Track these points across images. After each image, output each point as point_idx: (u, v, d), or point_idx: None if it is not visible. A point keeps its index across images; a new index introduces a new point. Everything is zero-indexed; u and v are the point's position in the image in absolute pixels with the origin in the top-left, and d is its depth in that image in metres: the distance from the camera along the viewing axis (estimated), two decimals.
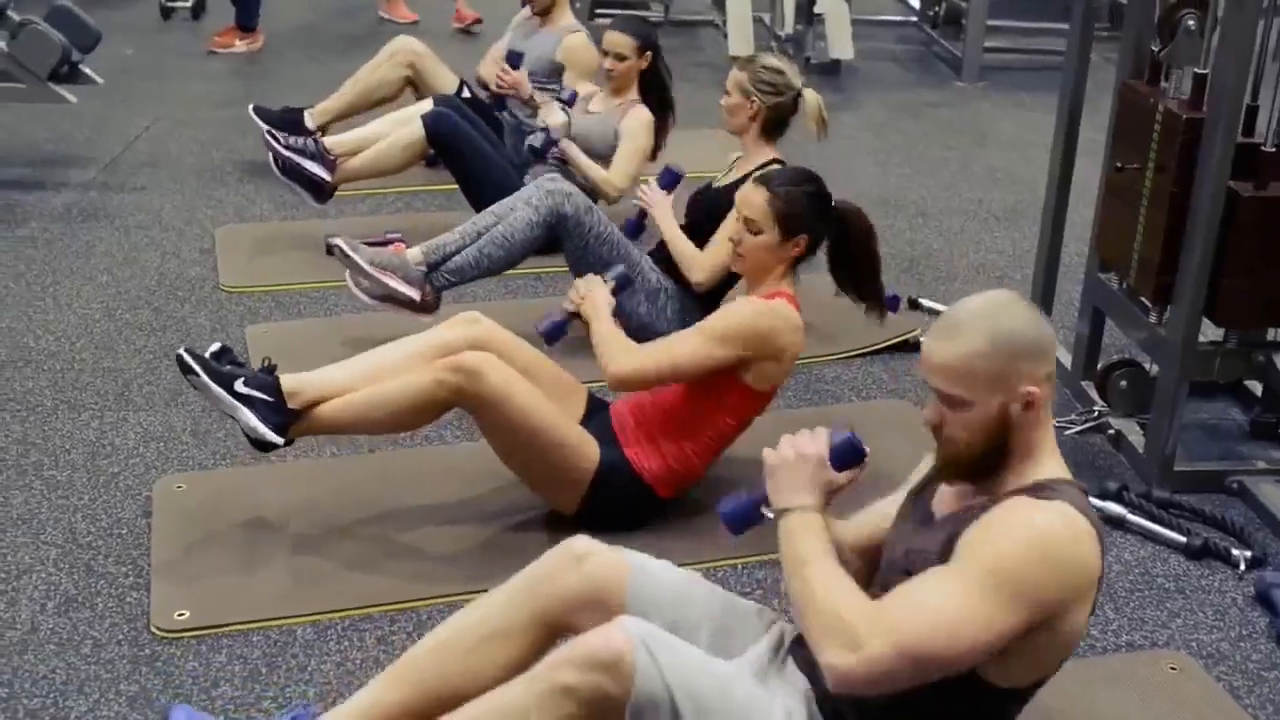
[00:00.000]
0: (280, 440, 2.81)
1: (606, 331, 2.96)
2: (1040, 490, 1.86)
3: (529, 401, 2.83)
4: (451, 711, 1.96)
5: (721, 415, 2.96)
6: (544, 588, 2.10)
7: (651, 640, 1.87)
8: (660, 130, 4.36)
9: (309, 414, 2.84)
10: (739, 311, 2.94)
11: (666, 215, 3.72)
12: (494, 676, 2.02)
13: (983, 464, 1.90)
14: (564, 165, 4.26)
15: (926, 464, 2.10)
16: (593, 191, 4.13)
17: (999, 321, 1.85)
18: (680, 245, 3.68)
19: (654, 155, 4.37)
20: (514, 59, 4.68)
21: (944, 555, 1.85)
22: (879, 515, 2.14)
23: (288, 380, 2.84)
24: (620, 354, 2.92)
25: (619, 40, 4.29)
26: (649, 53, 4.31)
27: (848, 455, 1.97)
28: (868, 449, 2.00)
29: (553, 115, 4.34)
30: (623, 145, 4.26)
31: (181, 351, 2.79)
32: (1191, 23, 3.14)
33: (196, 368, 2.76)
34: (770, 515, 1.98)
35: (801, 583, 1.83)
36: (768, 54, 3.82)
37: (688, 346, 2.90)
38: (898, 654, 1.73)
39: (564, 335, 3.10)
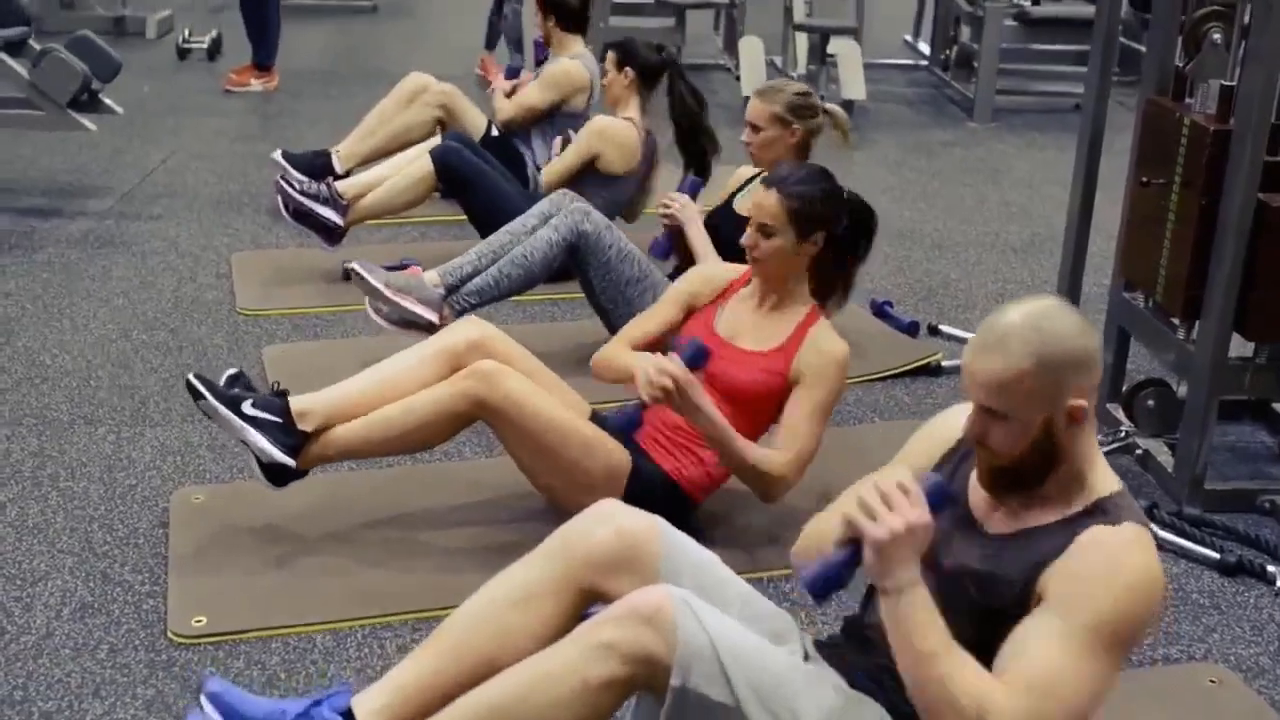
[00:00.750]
0: (291, 461, 2.78)
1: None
2: (1107, 514, 1.82)
3: (550, 407, 2.80)
4: (489, 677, 1.91)
5: (765, 424, 2.93)
6: (577, 545, 2.06)
7: (692, 599, 1.85)
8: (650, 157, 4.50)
9: (321, 438, 2.81)
10: (833, 377, 2.87)
11: (697, 226, 3.61)
12: (527, 639, 1.98)
13: (1028, 476, 1.85)
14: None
15: (926, 441, 2.04)
16: (609, 209, 4.13)
17: (1045, 336, 1.75)
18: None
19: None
20: (511, 72, 5.18)
21: (1024, 595, 1.80)
22: None
23: (296, 402, 2.81)
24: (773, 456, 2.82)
25: (606, 56, 4.45)
26: (628, 69, 4.36)
27: (939, 502, 1.83)
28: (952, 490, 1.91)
29: (497, 98, 4.90)
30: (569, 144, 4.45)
31: (190, 377, 2.78)
32: (1217, 36, 3.14)
33: (205, 391, 2.76)
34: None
35: (938, 685, 1.72)
36: (783, 80, 3.79)
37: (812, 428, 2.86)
38: None
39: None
